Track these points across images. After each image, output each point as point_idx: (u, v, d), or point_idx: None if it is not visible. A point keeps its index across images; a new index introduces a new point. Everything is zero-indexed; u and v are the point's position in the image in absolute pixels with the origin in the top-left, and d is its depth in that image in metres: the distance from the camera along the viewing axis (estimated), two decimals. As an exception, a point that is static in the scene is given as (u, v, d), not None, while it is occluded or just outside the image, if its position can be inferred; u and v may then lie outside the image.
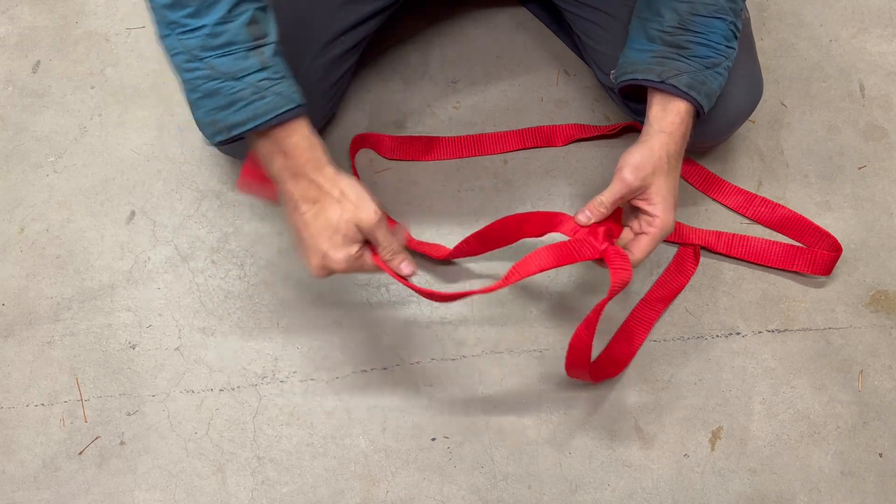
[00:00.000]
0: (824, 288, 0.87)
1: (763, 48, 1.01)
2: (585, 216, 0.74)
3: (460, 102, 0.98)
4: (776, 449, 0.80)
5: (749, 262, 0.88)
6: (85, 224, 0.91)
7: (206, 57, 0.63)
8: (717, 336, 0.85)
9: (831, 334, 0.85)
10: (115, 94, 0.99)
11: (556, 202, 0.91)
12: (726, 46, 0.73)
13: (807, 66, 1.00)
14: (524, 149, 0.94)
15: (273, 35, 0.65)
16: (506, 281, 0.72)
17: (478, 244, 0.81)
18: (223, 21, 0.62)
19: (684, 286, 0.86)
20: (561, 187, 0.92)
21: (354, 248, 0.69)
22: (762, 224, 0.90)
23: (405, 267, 0.72)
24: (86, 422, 0.81)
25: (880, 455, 0.80)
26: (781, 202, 0.91)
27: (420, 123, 0.96)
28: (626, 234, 0.77)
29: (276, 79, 0.65)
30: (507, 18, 1.03)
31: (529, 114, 0.97)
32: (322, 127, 0.90)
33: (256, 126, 0.65)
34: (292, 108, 0.65)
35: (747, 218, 0.91)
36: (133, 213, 0.92)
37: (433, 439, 0.80)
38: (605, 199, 0.74)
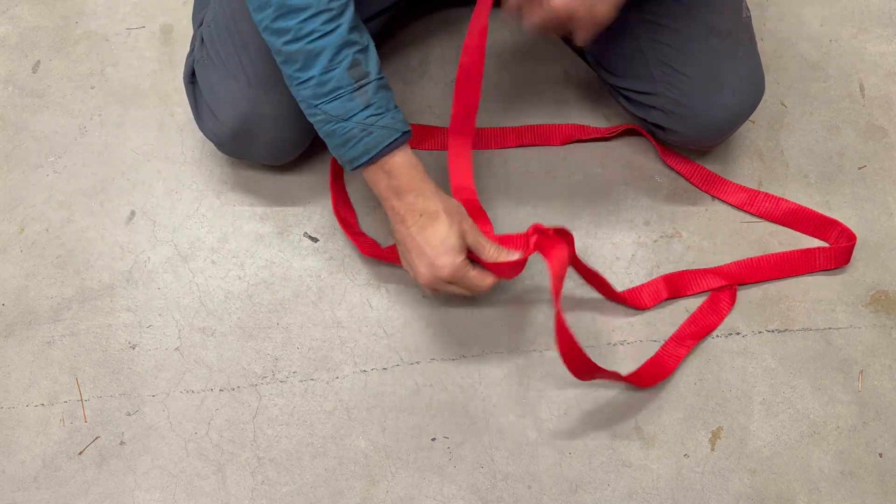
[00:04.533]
0: (824, 288, 0.87)
1: (763, 48, 1.01)
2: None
3: (460, 102, 0.98)
4: (776, 449, 0.80)
5: (774, 279, 0.87)
6: (85, 224, 0.91)
7: (319, 104, 0.70)
8: (717, 336, 0.85)
9: (831, 334, 0.85)
10: (115, 94, 0.99)
11: (556, 202, 0.91)
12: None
13: (807, 66, 1.00)
14: (521, 146, 0.94)
15: (374, 72, 0.71)
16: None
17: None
18: (327, 70, 0.69)
19: (717, 325, 0.85)
20: (561, 187, 0.92)
21: (461, 257, 0.73)
22: (767, 220, 0.90)
23: (512, 254, 0.76)
24: (86, 422, 0.81)
25: (880, 455, 0.80)
26: (781, 202, 0.91)
27: (420, 123, 0.96)
28: None
29: (380, 114, 0.71)
30: (507, 18, 1.03)
31: (529, 114, 0.96)
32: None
33: (370, 159, 0.72)
34: (398, 138, 0.72)
35: (751, 214, 0.90)
36: (133, 213, 0.92)
37: (433, 439, 0.80)
38: None
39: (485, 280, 0.75)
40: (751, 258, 0.87)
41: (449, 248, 0.72)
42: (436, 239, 0.72)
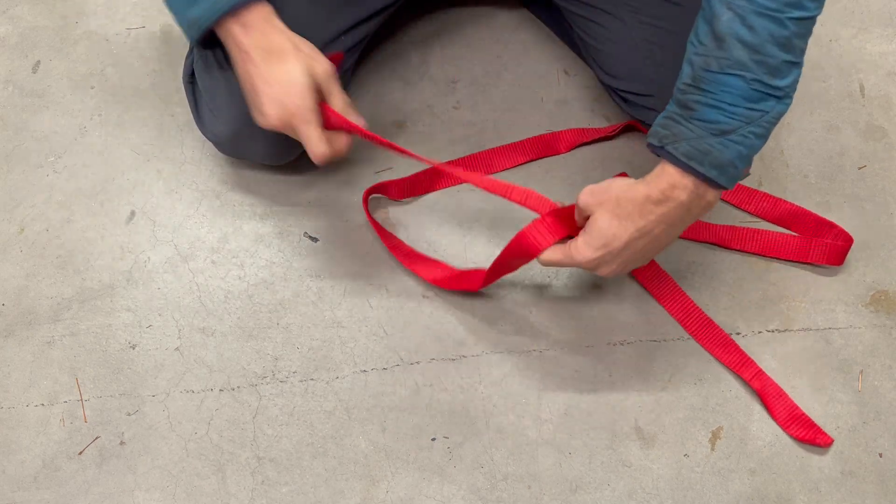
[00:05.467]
0: (824, 288, 0.87)
1: (763, 48, 1.00)
2: None
3: (460, 102, 0.98)
4: (776, 449, 0.80)
5: (762, 255, 0.87)
6: (85, 224, 0.91)
7: None
8: (717, 336, 0.85)
9: (831, 334, 0.85)
10: (115, 94, 0.99)
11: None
12: (747, 109, 0.62)
13: (807, 66, 1.00)
14: (531, 161, 0.94)
15: None
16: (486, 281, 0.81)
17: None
18: None
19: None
20: (561, 189, 0.92)
21: (310, 98, 0.69)
22: (765, 219, 0.90)
23: (358, 118, 0.73)
24: (86, 422, 0.81)
25: (880, 455, 0.80)
26: (781, 202, 0.91)
27: (420, 123, 0.96)
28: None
29: None
30: (507, 18, 1.03)
31: (529, 114, 0.97)
32: (322, 127, 0.90)
33: (217, 16, 0.68)
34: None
35: (749, 214, 0.90)
36: (133, 213, 0.92)
37: (433, 439, 0.80)
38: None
39: (326, 144, 0.71)
40: (745, 228, 0.88)
41: (298, 87, 0.69)
42: (284, 76, 0.69)
